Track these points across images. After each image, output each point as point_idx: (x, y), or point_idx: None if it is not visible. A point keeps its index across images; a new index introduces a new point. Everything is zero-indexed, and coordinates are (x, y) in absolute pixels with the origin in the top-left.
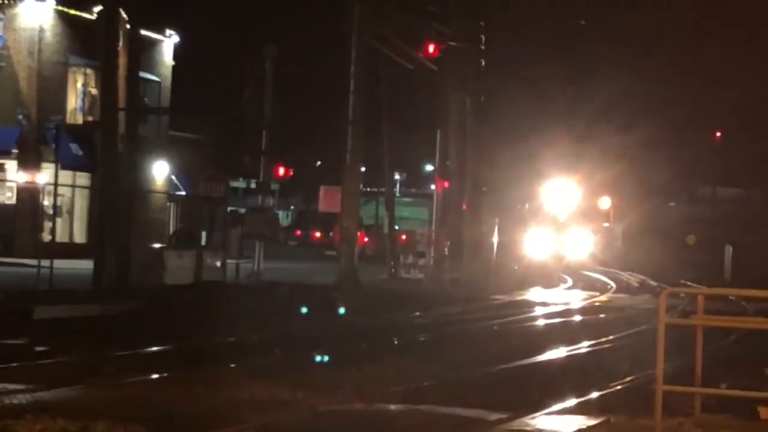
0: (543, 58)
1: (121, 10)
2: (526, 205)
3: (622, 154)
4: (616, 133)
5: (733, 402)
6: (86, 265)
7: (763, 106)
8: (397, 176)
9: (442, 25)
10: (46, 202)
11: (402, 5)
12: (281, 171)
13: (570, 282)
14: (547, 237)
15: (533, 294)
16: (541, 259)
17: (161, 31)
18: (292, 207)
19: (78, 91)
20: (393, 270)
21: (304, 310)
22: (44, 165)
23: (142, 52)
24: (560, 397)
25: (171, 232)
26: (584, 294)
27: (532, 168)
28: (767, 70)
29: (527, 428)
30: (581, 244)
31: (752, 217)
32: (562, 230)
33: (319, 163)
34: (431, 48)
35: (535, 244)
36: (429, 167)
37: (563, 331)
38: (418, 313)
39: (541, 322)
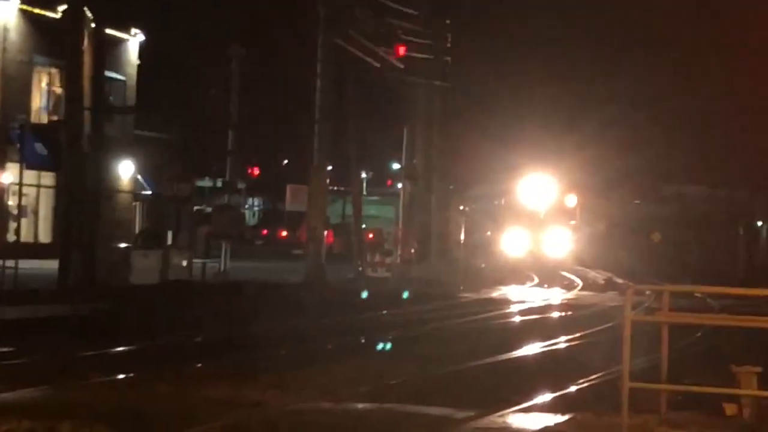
0: (518, 53)
1: (86, 9)
2: (502, 201)
3: (592, 152)
4: (591, 131)
5: (699, 398)
6: (52, 265)
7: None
8: (364, 174)
9: (409, 23)
10: (11, 201)
11: (368, 4)
12: (248, 170)
13: (536, 280)
14: (522, 234)
15: (501, 292)
16: (516, 256)
17: (126, 30)
18: (257, 206)
19: (43, 91)
20: (360, 269)
21: (270, 309)
22: (9, 165)
23: (108, 51)
24: (528, 394)
25: (137, 231)
26: (551, 291)
27: (507, 163)
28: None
29: (495, 426)
30: (560, 242)
31: (718, 215)
32: (539, 227)
33: (285, 161)
34: (401, 50)
35: (510, 242)
36: (396, 165)
37: (531, 329)
38: (385, 312)
39: (508, 320)
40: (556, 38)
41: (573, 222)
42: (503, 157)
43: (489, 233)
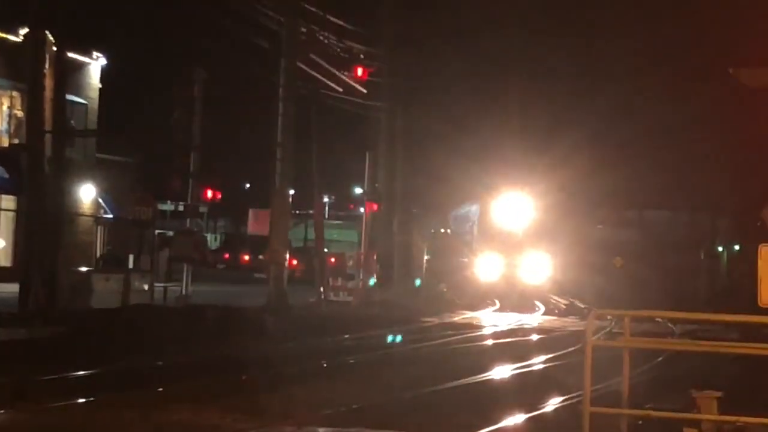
0: (491, 72)
1: (47, 32)
2: (473, 223)
3: (564, 174)
4: (564, 152)
5: (660, 423)
6: (12, 288)
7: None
8: (326, 199)
9: (371, 47)
10: None
11: (330, 29)
12: (209, 194)
13: (498, 305)
14: (495, 258)
15: (463, 316)
16: (489, 281)
17: (88, 54)
18: (219, 230)
19: (3, 114)
20: (322, 293)
21: (232, 333)
22: None
23: (69, 75)
24: (489, 418)
25: (98, 255)
26: (513, 316)
27: (479, 185)
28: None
29: None
30: (538, 267)
31: (679, 238)
32: (514, 251)
33: (248, 185)
34: (359, 71)
35: (482, 266)
36: (358, 190)
37: (492, 354)
38: (347, 336)
39: (469, 344)
40: (531, 57)
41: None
42: (475, 179)
43: (459, 257)
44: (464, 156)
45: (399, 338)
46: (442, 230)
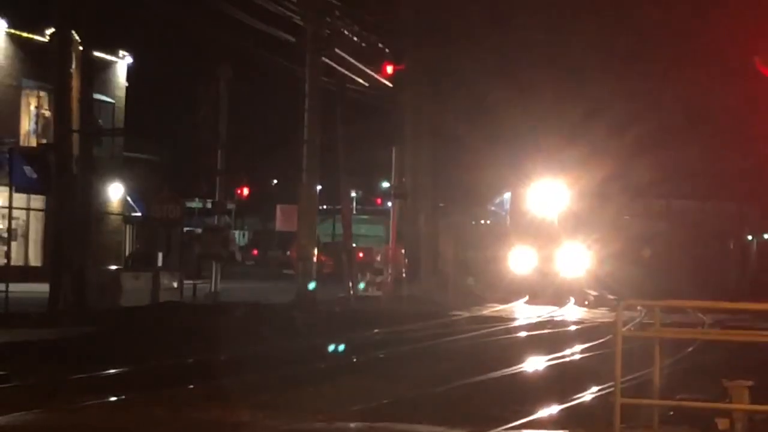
0: (524, 58)
1: (73, 32)
2: (504, 213)
3: (597, 162)
4: (598, 139)
5: (691, 413)
6: (42, 288)
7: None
8: (353, 194)
9: (397, 42)
10: (1, 225)
11: (357, 23)
12: (245, 191)
13: (527, 297)
14: (528, 250)
15: (492, 309)
16: (521, 273)
17: (114, 53)
18: (247, 227)
19: (31, 114)
20: (351, 288)
21: (261, 330)
22: None
23: (96, 74)
24: (520, 411)
25: (127, 253)
26: (543, 308)
27: (511, 177)
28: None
29: None
30: (576, 260)
31: (708, 228)
32: (548, 242)
33: (275, 181)
34: (389, 69)
35: (514, 258)
36: (386, 184)
37: (522, 346)
38: (376, 331)
39: (500, 337)
40: (563, 42)
41: (590, 237)
42: (508, 168)
43: (489, 250)
44: (496, 145)
45: (427, 332)
46: (483, 222)
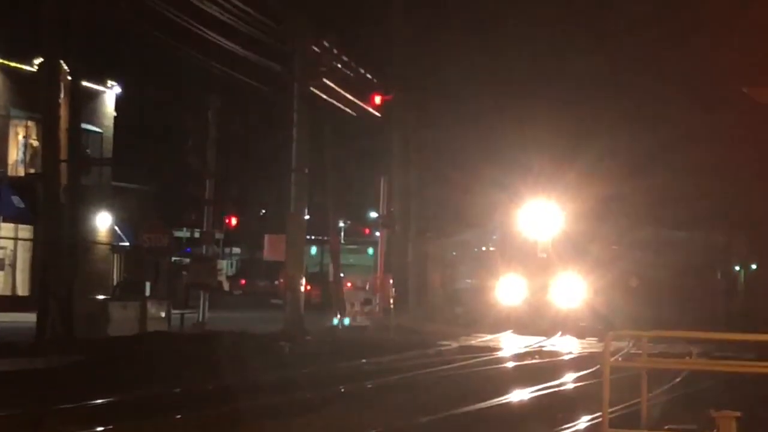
0: (517, 80)
1: (62, 62)
2: (493, 239)
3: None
4: (589, 162)
5: None
6: (29, 317)
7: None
8: (341, 223)
9: (385, 73)
10: None
11: (345, 52)
12: (233, 221)
13: (515, 327)
14: (517, 278)
15: (480, 339)
16: (510, 305)
17: (103, 83)
18: (235, 256)
19: (19, 144)
20: (339, 317)
21: (249, 359)
22: None
23: (84, 104)
24: None
25: (115, 282)
26: (531, 339)
27: (501, 198)
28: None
29: None
30: (571, 290)
31: (696, 258)
32: (540, 269)
33: (263, 211)
34: (377, 99)
35: (502, 287)
36: (374, 214)
37: (511, 376)
38: (364, 361)
39: (488, 367)
40: (558, 64)
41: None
42: (499, 193)
43: (472, 279)
44: (487, 169)
45: (415, 361)
46: (484, 249)
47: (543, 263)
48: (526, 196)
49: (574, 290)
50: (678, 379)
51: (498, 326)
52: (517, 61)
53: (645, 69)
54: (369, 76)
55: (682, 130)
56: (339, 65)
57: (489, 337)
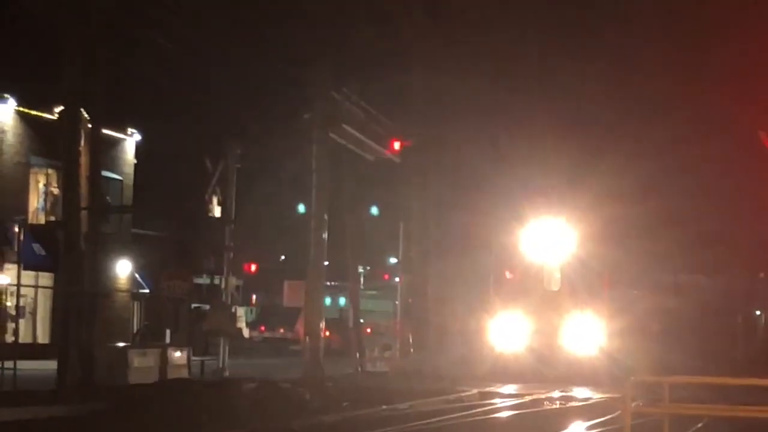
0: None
1: (82, 109)
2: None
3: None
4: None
5: None
6: (50, 365)
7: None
8: (360, 269)
9: (403, 120)
10: (9, 302)
11: (364, 99)
12: (252, 267)
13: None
14: (519, 317)
15: (499, 385)
16: (511, 351)
17: (123, 130)
18: (255, 302)
19: (40, 191)
20: (359, 364)
21: (270, 406)
22: (7, 266)
23: (104, 151)
24: None
25: (135, 330)
26: (549, 387)
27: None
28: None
29: None
30: (586, 332)
31: (716, 303)
32: (549, 306)
33: (283, 257)
34: (396, 145)
35: (499, 330)
36: (393, 260)
37: (533, 420)
38: (384, 407)
39: (509, 413)
40: (567, 88)
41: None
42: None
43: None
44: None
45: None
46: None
47: (552, 297)
48: (531, 213)
49: (591, 334)
50: (700, 425)
51: (494, 377)
52: (537, 102)
53: (661, 106)
54: (388, 121)
55: (705, 177)
56: (359, 110)
57: (512, 385)
